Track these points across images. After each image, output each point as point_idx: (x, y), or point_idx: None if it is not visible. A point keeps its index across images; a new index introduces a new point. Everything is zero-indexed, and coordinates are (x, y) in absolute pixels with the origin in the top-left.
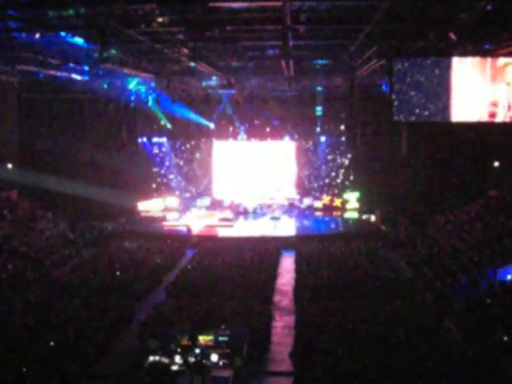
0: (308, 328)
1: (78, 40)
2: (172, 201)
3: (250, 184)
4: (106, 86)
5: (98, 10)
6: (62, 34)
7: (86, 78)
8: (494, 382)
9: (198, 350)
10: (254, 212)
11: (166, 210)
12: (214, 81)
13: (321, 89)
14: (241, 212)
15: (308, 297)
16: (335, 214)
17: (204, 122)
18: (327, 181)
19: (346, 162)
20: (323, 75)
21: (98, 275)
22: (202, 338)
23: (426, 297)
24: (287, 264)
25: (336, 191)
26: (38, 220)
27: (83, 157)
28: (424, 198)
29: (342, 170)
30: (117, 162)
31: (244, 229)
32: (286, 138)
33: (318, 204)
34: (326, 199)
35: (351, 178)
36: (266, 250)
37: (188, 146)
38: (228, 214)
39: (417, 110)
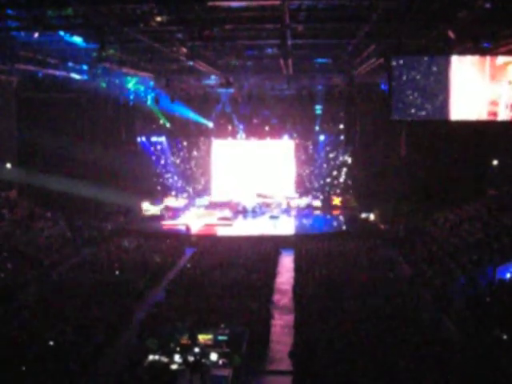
0: (307, 327)
1: (77, 39)
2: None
3: (248, 183)
4: (104, 85)
5: (97, 9)
6: (61, 33)
7: (85, 77)
8: (493, 380)
9: (197, 349)
10: (253, 211)
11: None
12: (212, 80)
13: (320, 88)
14: (240, 211)
15: (307, 296)
16: (335, 212)
17: (203, 120)
18: (328, 180)
19: (345, 160)
20: (322, 74)
21: (98, 274)
22: (202, 337)
23: (425, 295)
24: (286, 263)
25: (338, 191)
26: (37, 219)
27: (82, 156)
28: (423, 196)
29: (341, 169)
30: (116, 161)
31: (243, 228)
32: (285, 137)
33: (317, 203)
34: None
35: (350, 176)
36: (265, 249)
37: (187, 144)
38: (227, 213)
39: (415, 109)
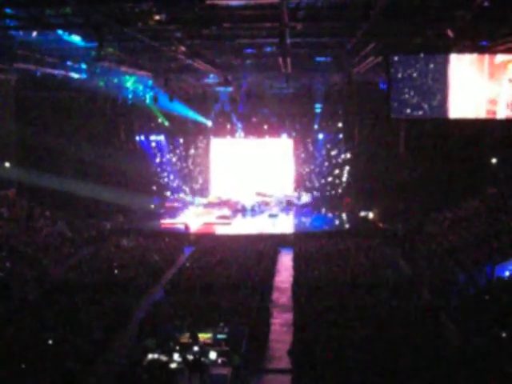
0: (306, 325)
1: (76, 38)
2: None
3: (247, 181)
4: (103, 84)
5: (96, 8)
6: (60, 32)
7: (84, 76)
8: (491, 378)
9: (196, 348)
10: (252, 209)
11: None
12: (211, 78)
13: (318, 86)
14: (239, 209)
15: (306, 294)
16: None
17: (202, 119)
18: (327, 178)
19: (344, 159)
20: (321, 72)
21: (96, 273)
22: (201, 336)
23: (424, 293)
24: (285, 261)
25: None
26: (35, 218)
27: (81, 155)
28: (422, 195)
29: (340, 168)
30: (114, 160)
31: (242, 226)
32: (284, 136)
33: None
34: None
35: (349, 174)
36: (264, 248)
37: (186, 143)
38: (226, 211)
39: (414, 107)
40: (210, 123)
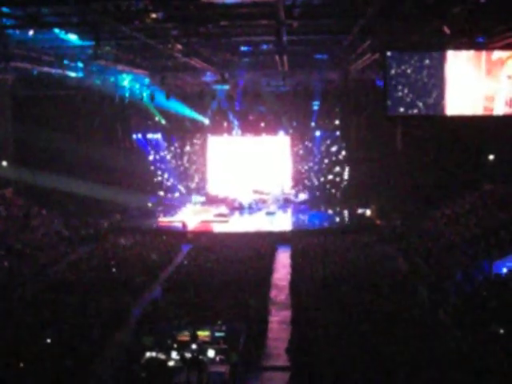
0: (304, 323)
1: (72, 37)
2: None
3: (245, 179)
4: (100, 82)
5: (92, 6)
6: (56, 30)
7: (80, 74)
8: (489, 375)
9: (194, 346)
10: (250, 207)
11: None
12: (208, 76)
13: (315, 83)
14: (236, 207)
15: (304, 291)
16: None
17: (198, 117)
18: (324, 175)
19: (341, 156)
20: (317, 70)
21: (94, 272)
22: (199, 334)
23: (422, 290)
24: (283, 259)
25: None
26: (33, 217)
27: (78, 154)
28: (419, 191)
29: (337, 165)
30: (111, 159)
31: (239, 224)
32: (281, 133)
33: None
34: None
35: (346, 172)
36: (262, 245)
37: (183, 141)
38: (223, 209)
39: (411, 104)
40: (206, 121)
